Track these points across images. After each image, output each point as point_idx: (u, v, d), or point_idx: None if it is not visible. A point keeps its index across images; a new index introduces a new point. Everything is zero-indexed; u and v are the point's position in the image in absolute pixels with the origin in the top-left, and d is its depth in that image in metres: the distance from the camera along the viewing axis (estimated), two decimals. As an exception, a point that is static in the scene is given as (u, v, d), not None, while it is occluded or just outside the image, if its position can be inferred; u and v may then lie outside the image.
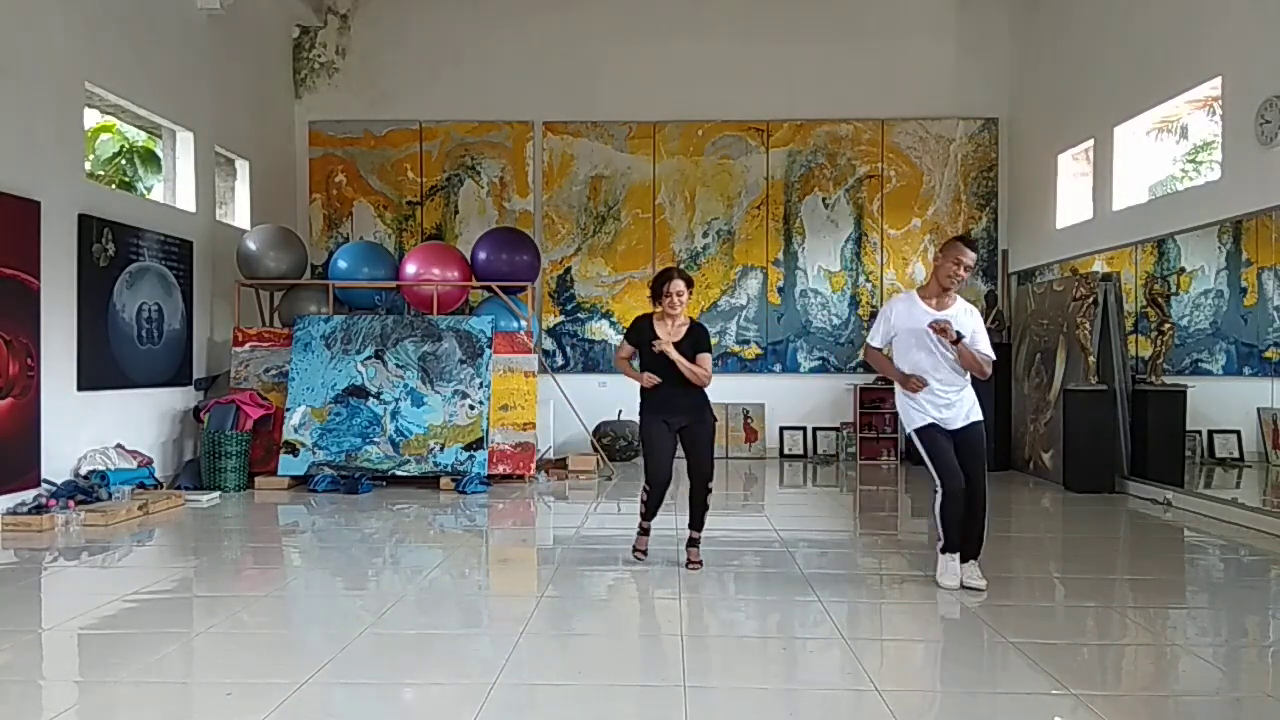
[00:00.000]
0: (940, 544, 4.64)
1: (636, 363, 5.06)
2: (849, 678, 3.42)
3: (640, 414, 5.04)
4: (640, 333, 4.98)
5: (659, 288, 4.93)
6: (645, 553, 5.13)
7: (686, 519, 5.11)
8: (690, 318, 5.04)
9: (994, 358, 4.62)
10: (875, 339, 4.72)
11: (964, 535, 4.58)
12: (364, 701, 3.19)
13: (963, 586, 4.54)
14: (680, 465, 5.01)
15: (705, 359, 4.92)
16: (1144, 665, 3.75)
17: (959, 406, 4.52)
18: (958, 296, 4.63)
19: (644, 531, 5.17)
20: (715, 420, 5.12)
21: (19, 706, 3.15)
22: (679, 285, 4.89)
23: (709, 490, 5.00)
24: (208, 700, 3.21)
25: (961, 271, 4.48)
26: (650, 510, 5.07)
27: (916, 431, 4.55)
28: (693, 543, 5.07)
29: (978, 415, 4.56)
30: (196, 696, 3.29)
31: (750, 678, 3.45)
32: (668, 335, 4.91)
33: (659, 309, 4.98)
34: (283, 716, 2.99)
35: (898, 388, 4.64)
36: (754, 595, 4.68)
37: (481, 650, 3.77)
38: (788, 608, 4.33)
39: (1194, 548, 6.08)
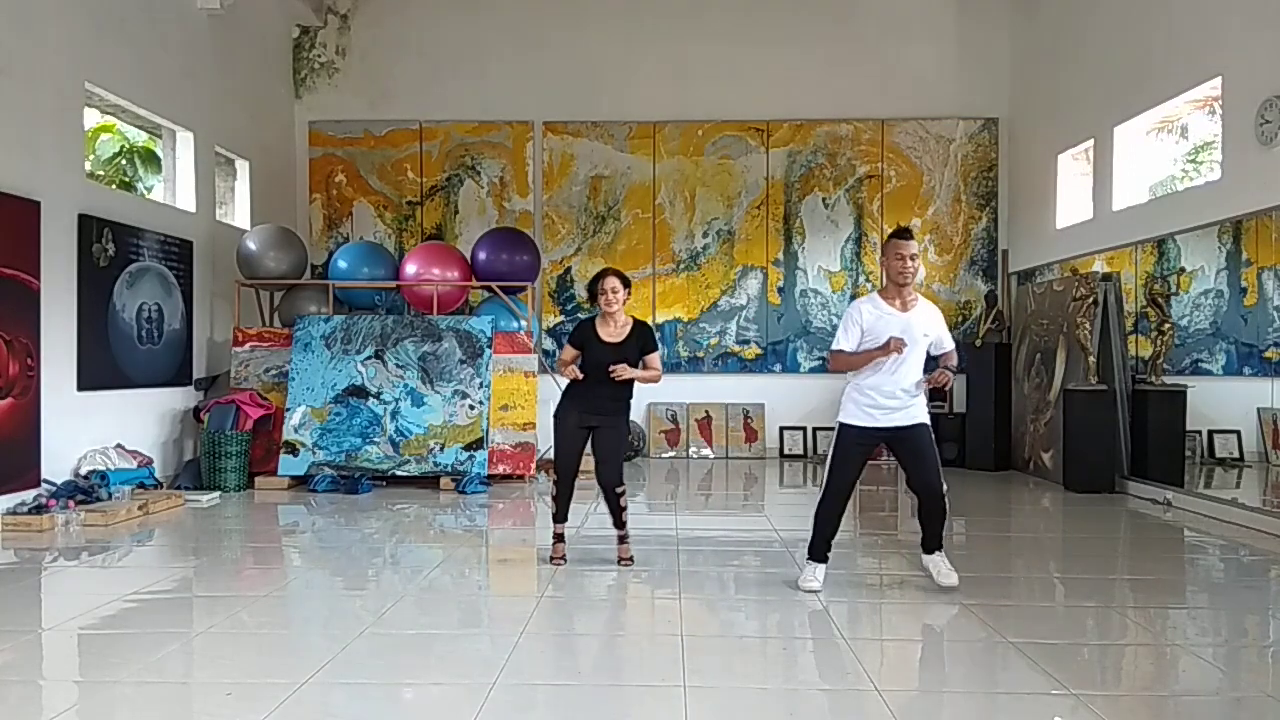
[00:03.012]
0: (808, 550, 4.64)
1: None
2: (849, 678, 3.42)
3: (559, 401, 5.08)
4: (584, 335, 5.01)
5: (594, 286, 5.01)
6: (564, 559, 5.09)
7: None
8: (633, 317, 5.08)
9: (953, 347, 4.66)
10: (848, 344, 4.51)
11: (924, 529, 4.59)
12: (364, 701, 3.19)
13: (937, 582, 4.51)
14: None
15: (653, 358, 5.01)
16: (1144, 665, 3.75)
17: (904, 409, 4.46)
18: (919, 296, 4.61)
19: (559, 538, 5.14)
20: (629, 431, 5.21)
21: (19, 706, 3.15)
22: (613, 282, 4.95)
23: (620, 494, 5.03)
24: (208, 700, 3.21)
25: (909, 263, 4.44)
26: (561, 509, 5.08)
27: (841, 424, 4.54)
28: (621, 540, 5.12)
29: (923, 418, 4.50)
30: (196, 696, 3.30)
31: (750, 678, 3.45)
32: (610, 336, 4.95)
33: (600, 311, 5.02)
34: (283, 716, 2.99)
35: (850, 386, 4.55)
36: (754, 595, 4.68)
37: (481, 650, 3.77)
38: (788, 608, 4.33)
39: (1194, 548, 6.08)
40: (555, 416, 5.06)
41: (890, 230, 4.64)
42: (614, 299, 4.92)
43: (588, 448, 5.06)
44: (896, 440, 4.51)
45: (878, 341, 4.42)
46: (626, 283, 5.00)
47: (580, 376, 4.91)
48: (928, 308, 4.61)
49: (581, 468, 5.06)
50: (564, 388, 5.10)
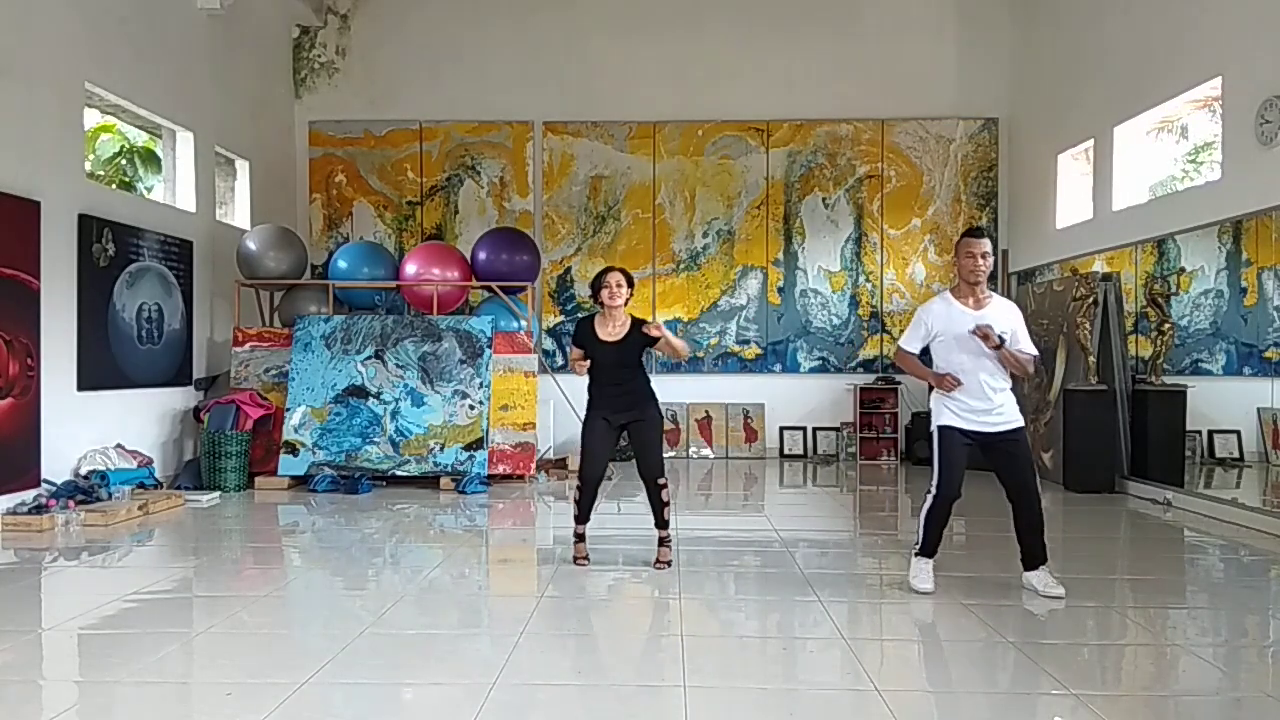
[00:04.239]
0: (916, 547, 4.60)
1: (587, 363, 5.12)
2: (849, 678, 3.42)
3: (586, 410, 5.10)
4: (585, 335, 5.06)
5: (598, 282, 5.05)
6: (587, 558, 5.10)
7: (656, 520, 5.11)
8: (630, 314, 5.10)
9: (1036, 354, 4.58)
10: (912, 344, 4.57)
11: (1023, 543, 4.52)
12: (364, 701, 3.18)
13: (1043, 595, 4.44)
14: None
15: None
16: (1144, 665, 3.75)
17: (998, 412, 4.43)
18: (994, 294, 4.57)
19: (580, 538, 5.14)
20: (662, 418, 5.17)
21: (19, 706, 3.15)
22: (617, 277, 5.02)
23: (662, 487, 5.03)
24: (208, 700, 3.21)
25: (980, 262, 4.43)
26: (584, 511, 5.09)
27: (939, 428, 4.52)
28: (661, 542, 5.10)
29: (1018, 421, 4.46)
30: (196, 696, 3.29)
31: (750, 678, 3.44)
32: (610, 335, 4.98)
33: (600, 309, 5.05)
34: (283, 716, 2.99)
35: (936, 391, 4.57)
36: (754, 595, 4.68)
37: (481, 650, 3.77)
38: (788, 608, 4.33)
39: (1194, 548, 6.08)
40: (583, 424, 5.09)
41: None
42: (618, 293, 4.96)
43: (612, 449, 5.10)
44: (990, 446, 4.46)
45: (949, 343, 4.44)
46: (630, 281, 5.07)
47: (587, 365, 4.99)
48: (1004, 306, 4.54)
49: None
50: (587, 395, 5.12)
